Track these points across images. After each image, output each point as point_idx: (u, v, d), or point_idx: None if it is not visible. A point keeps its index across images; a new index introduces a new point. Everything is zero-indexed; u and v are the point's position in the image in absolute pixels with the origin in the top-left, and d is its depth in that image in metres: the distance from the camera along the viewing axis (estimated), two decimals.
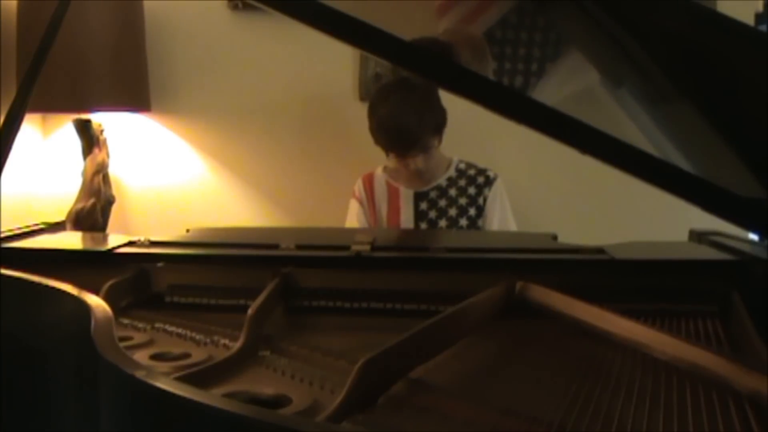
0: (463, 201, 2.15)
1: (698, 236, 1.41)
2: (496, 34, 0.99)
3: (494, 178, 2.17)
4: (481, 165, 2.20)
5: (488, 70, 0.99)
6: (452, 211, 2.15)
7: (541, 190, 2.59)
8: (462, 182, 2.17)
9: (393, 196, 2.21)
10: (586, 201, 2.57)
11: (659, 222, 2.05)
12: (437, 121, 2.07)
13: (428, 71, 0.90)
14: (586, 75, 0.99)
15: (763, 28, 2.39)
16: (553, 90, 0.97)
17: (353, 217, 2.23)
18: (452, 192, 2.16)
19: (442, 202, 2.16)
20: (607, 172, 0.81)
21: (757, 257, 1.17)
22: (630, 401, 0.80)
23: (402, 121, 2.01)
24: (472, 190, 2.16)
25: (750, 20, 2.39)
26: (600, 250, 1.28)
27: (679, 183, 0.78)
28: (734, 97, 0.84)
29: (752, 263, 1.16)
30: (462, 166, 2.20)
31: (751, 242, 1.31)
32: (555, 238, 1.49)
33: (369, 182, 2.24)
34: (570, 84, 0.97)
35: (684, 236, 1.47)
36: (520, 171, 2.54)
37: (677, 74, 0.86)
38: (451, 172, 2.18)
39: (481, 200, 2.15)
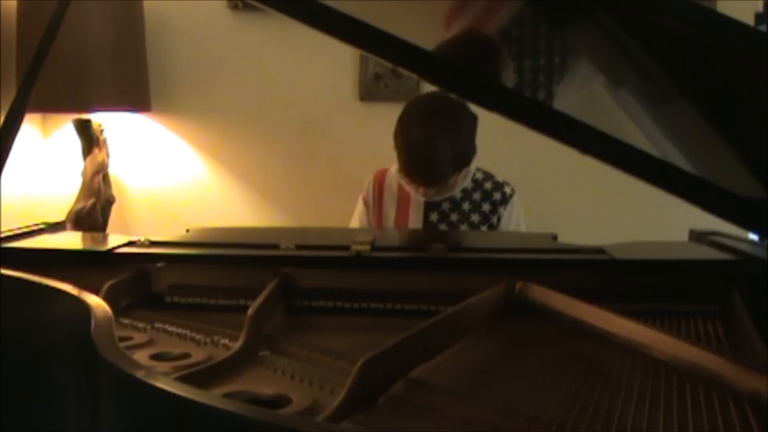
0: (475, 218, 2.01)
1: (698, 236, 1.41)
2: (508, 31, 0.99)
3: (511, 195, 2.03)
4: (500, 178, 2.06)
5: (508, 66, 0.97)
6: (463, 227, 2.01)
7: (541, 190, 2.59)
8: (477, 196, 2.02)
9: (403, 200, 2.06)
10: (586, 201, 2.57)
11: (659, 222, 2.06)
12: (468, 161, 1.95)
13: (428, 73, 0.90)
14: (586, 75, 0.98)
15: (763, 28, 2.39)
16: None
17: (356, 217, 2.15)
18: (465, 206, 2.01)
19: (454, 216, 2.02)
20: (607, 172, 0.81)
21: (757, 257, 1.17)
22: (630, 401, 0.80)
23: (434, 157, 1.88)
24: (486, 207, 2.01)
25: (750, 20, 2.39)
26: (600, 250, 1.28)
27: (679, 183, 0.78)
28: (734, 97, 0.83)
29: (752, 263, 1.16)
30: (479, 176, 2.04)
31: (751, 242, 1.31)
32: (555, 238, 1.49)
33: (379, 182, 2.11)
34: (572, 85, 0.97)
35: (684, 236, 1.47)
36: (519, 171, 2.54)
37: (677, 74, 0.86)
38: (467, 183, 2.02)
39: (494, 219, 2.01)
